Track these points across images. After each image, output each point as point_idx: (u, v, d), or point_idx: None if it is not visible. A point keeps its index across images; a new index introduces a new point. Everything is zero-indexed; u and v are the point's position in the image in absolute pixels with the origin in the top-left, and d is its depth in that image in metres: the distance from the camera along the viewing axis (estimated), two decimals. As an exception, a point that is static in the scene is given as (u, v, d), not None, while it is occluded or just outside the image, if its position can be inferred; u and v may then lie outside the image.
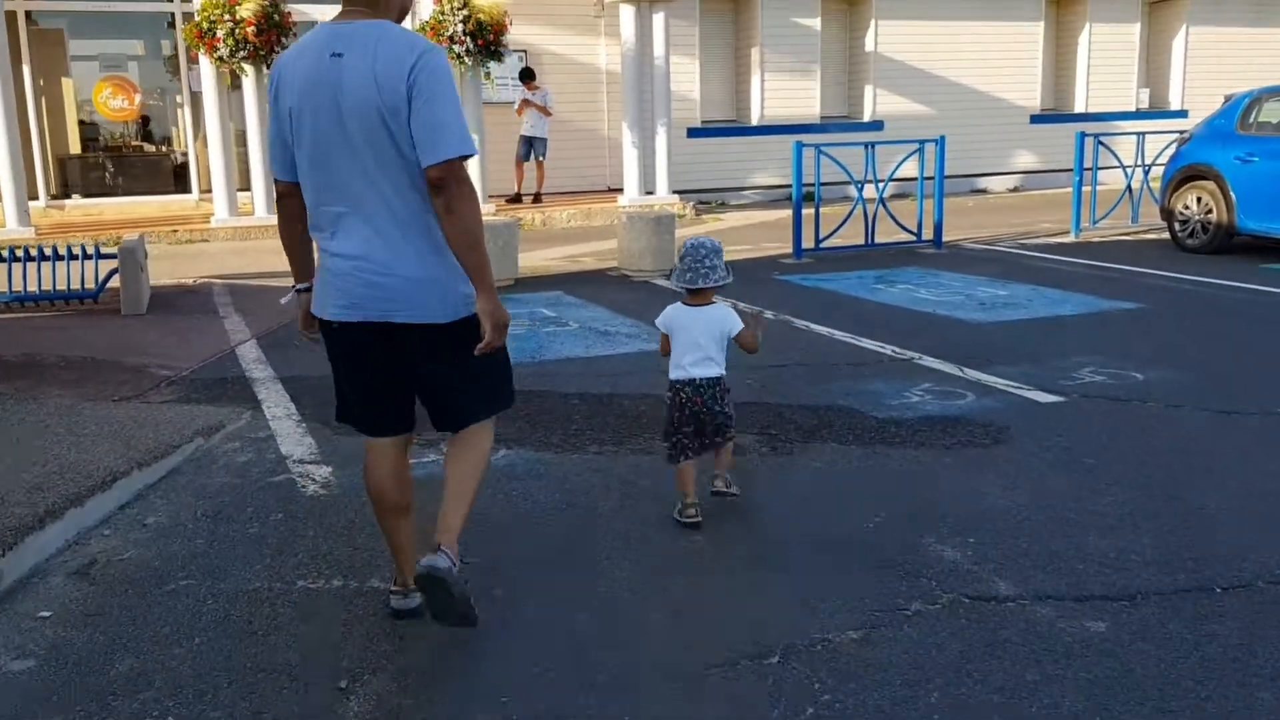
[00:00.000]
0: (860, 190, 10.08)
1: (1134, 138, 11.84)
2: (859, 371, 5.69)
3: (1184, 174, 10.14)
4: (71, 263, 7.85)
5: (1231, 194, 9.55)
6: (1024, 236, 11.42)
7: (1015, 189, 17.41)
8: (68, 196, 14.20)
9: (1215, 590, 3.09)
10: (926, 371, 5.66)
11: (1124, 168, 11.57)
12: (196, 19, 11.73)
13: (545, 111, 13.69)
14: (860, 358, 6.02)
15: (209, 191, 13.04)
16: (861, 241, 10.09)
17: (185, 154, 14.64)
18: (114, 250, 7.82)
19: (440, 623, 2.76)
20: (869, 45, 16.42)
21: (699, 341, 3.60)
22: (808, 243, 9.98)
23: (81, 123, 14.62)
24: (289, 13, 12.01)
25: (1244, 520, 3.61)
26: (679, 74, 14.81)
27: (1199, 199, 9.90)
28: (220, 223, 12.34)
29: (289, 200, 2.81)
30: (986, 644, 2.79)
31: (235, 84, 12.56)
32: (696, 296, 3.67)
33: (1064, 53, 18.14)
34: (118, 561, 3.40)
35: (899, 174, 10.43)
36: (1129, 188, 11.65)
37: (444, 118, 2.56)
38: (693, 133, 15.60)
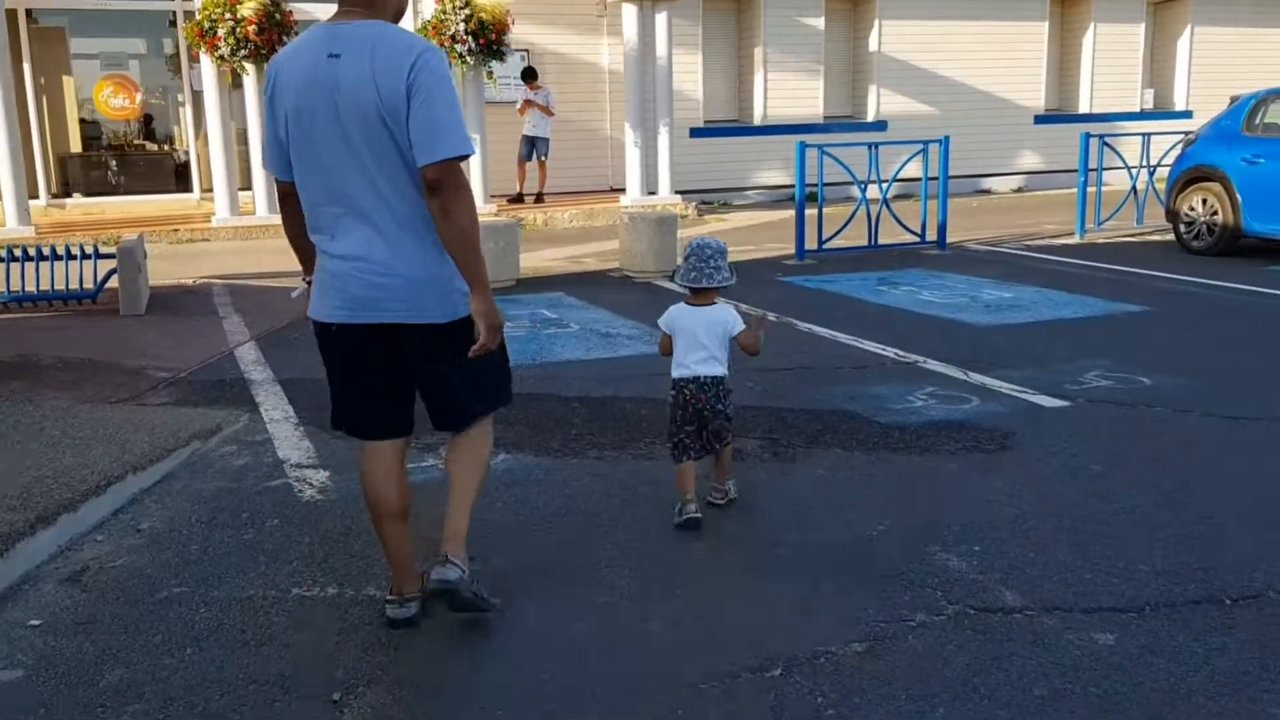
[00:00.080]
0: (864, 191, 10.02)
1: (1138, 138, 11.78)
2: (862, 375, 5.64)
3: (1189, 175, 10.08)
4: (70, 263, 7.81)
5: (1237, 195, 9.49)
6: (1028, 238, 11.36)
7: (1019, 189, 17.35)
8: (68, 195, 14.17)
9: (1225, 601, 3.03)
10: (930, 375, 5.60)
11: (1129, 169, 11.51)
12: (197, 18, 11.69)
13: (547, 111, 13.64)
14: (863, 361, 5.97)
15: (210, 191, 13.00)
16: (865, 242, 10.03)
17: (186, 153, 14.61)
18: (113, 250, 7.77)
19: (455, 612, 2.89)
20: (873, 45, 16.36)
21: (702, 341, 3.61)
22: (811, 244, 9.93)
23: (82, 121, 14.58)
24: (290, 11, 11.97)
25: (1253, 529, 3.55)
26: (682, 73, 14.76)
27: (1204, 200, 9.84)
28: (221, 222, 12.30)
29: (291, 198, 2.80)
30: (993, 657, 2.74)
31: (237, 83, 12.52)
32: (700, 296, 3.67)
33: (1068, 53, 18.07)
34: (110, 568, 3.35)
35: (902, 174, 10.37)
36: (1134, 189, 11.58)
37: (442, 118, 2.55)
38: (695, 132, 15.55)
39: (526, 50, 14.32)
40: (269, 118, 2.74)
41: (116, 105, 14.30)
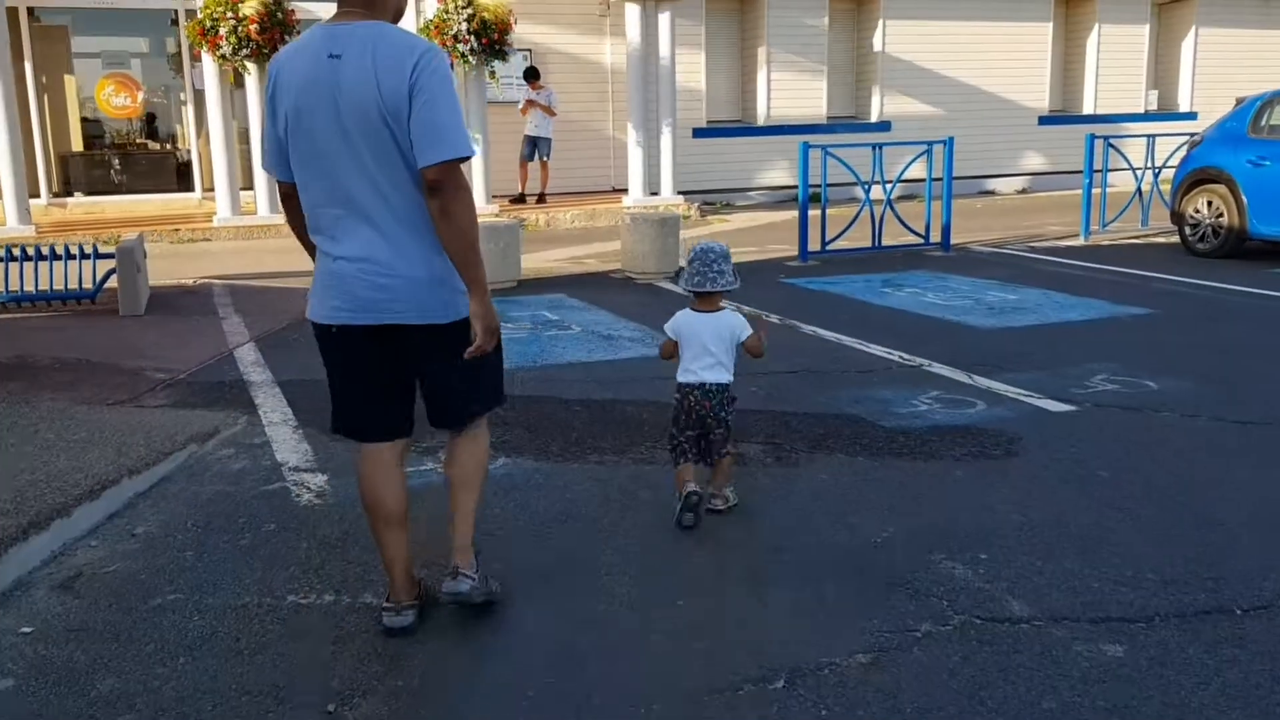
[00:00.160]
0: (867, 192, 9.97)
1: (1143, 140, 11.73)
2: (866, 378, 5.59)
3: (1195, 177, 10.02)
4: (70, 262, 7.77)
5: (1243, 197, 9.43)
6: (1033, 239, 11.31)
7: (1023, 190, 17.29)
8: (69, 194, 14.14)
9: (1235, 612, 2.98)
10: (935, 378, 5.55)
11: (1134, 170, 11.45)
12: (199, 16, 11.65)
13: (549, 111, 13.60)
14: (867, 364, 5.92)
15: (212, 190, 12.97)
16: (868, 244, 9.99)
17: (188, 152, 14.58)
18: (112, 250, 7.73)
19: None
20: (876, 45, 16.31)
21: (709, 347, 3.61)
22: (814, 245, 9.88)
23: (84, 120, 14.56)
24: (292, 10, 11.94)
25: (1263, 537, 3.50)
26: (684, 73, 14.72)
27: (1210, 203, 9.78)
28: (222, 222, 12.27)
29: (294, 199, 2.79)
30: (1000, 669, 2.69)
31: (239, 82, 12.49)
32: (705, 301, 3.66)
33: (1073, 54, 18.01)
34: (104, 574, 3.30)
35: (906, 175, 10.31)
36: (1139, 190, 11.53)
37: (443, 119, 2.55)
38: (698, 133, 15.50)
39: (529, 50, 14.28)
40: (269, 117, 2.73)
41: (118, 104, 14.28)
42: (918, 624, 2.90)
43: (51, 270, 7.72)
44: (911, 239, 10.31)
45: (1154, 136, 11.61)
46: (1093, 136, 11.29)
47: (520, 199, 13.89)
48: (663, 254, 8.98)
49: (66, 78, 14.34)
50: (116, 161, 14.64)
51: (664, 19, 13.43)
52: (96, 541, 3.56)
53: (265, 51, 11.58)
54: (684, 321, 3.67)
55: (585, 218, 13.25)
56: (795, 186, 10.87)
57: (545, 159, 13.83)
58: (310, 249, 2.89)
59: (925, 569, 3.26)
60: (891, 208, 10.03)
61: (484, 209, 12.07)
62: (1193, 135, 10.81)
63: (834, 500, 3.85)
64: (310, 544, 3.52)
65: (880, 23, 16.20)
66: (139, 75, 14.52)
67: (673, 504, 3.65)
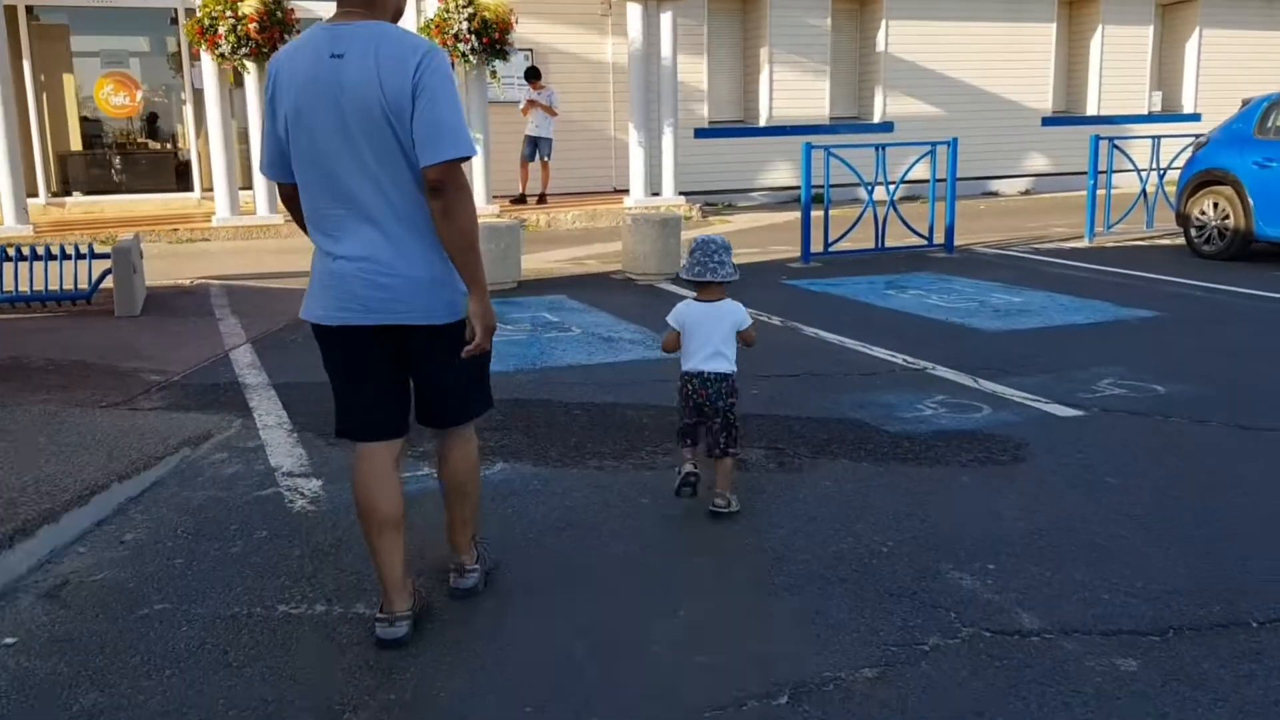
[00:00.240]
0: (870, 193, 9.89)
1: (1146, 141, 11.65)
2: (870, 382, 5.51)
3: (1200, 179, 9.94)
4: (66, 262, 7.70)
5: (1249, 199, 9.35)
6: (1037, 241, 11.23)
7: (1026, 192, 17.22)
8: (68, 194, 14.08)
9: (1251, 624, 2.90)
10: (940, 382, 5.47)
11: (1138, 171, 11.37)
12: (198, 15, 11.58)
13: (550, 111, 13.53)
14: (871, 367, 5.84)
15: (211, 190, 12.89)
16: (871, 245, 9.91)
17: (187, 152, 14.52)
18: (109, 250, 7.66)
19: None
20: (879, 45, 16.23)
21: (711, 337, 3.69)
22: (816, 246, 9.80)
23: (83, 119, 14.50)
24: (291, 9, 11.86)
25: (1278, 546, 3.42)
26: (686, 73, 14.65)
27: (1216, 204, 9.71)
28: (221, 222, 12.19)
29: (296, 200, 2.78)
30: (1010, 684, 2.61)
31: (238, 81, 12.42)
32: (706, 292, 3.74)
33: (1076, 55, 17.93)
34: (91, 582, 3.23)
35: (909, 176, 10.24)
36: (1144, 192, 11.45)
37: (445, 119, 2.56)
38: (700, 133, 15.43)
39: (530, 50, 14.20)
40: (269, 117, 2.71)
41: (117, 103, 14.22)
42: (925, 637, 2.83)
43: (46, 270, 7.65)
44: (915, 240, 10.23)
45: (1159, 138, 11.53)
46: (1097, 138, 11.21)
47: (521, 199, 13.82)
48: (664, 255, 8.90)
49: (65, 77, 14.28)
50: (115, 161, 14.57)
51: (666, 18, 13.36)
52: (85, 548, 3.49)
53: (265, 50, 11.51)
54: (687, 311, 3.74)
55: (586, 218, 13.18)
56: (797, 187, 10.78)
57: (546, 159, 13.76)
58: None
59: (932, 579, 3.18)
60: (895, 209, 9.95)
61: (484, 209, 12.00)
62: (1198, 136, 10.73)
63: (838, 507, 3.78)
64: (303, 551, 3.44)
65: (883, 23, 16.12)
66: (138, 74, 14.46)
67: (674, 512, 3.61)
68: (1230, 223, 9.53)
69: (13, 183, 11.34)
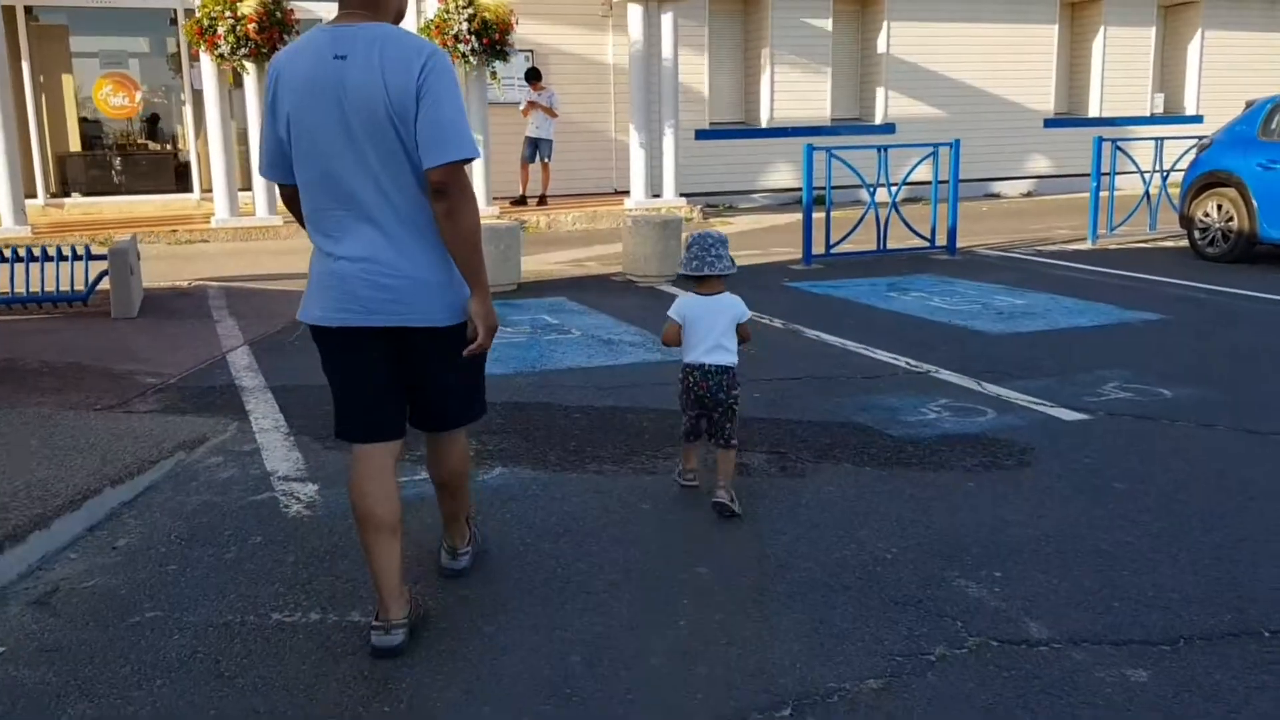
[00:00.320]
0: (873, 194, 9.84)
1: (1148, 142, 11.60)
2: (873, 385, 5.45)
3: (1204, 180, 9.89)
4: (63, 264, 7.64)
5: (1253, 201, 9.30)
6: (1039, 243, 11.18)
7: (1028, 194, 17.17)
8: (67, 195, 14.04)
9: (1263, 634, 2.85)
10: (943, 385, 5.42)
11: (1141, 173, 11.32)
12: (197, 15, 11.53)
13: (551, 113, 13.47)
14: (874, 370, 5.79)
15: (211, 191, 12.84)
16: (873, 247, 9.86)
17: (187, 153, 14.46)
18: (105, 251, 7.60)
19: None
20: (881, 47, 16.18)
21: (713, 329, 3.74)
22: (818, 248, 9.75)
23: (82, 120, 14.45)
24: (291, 10, 11.81)
25: (1289, 554, 3.36)
26: (687, 74, 14.59)
27: (1220, 206, 9.65)
28: (220, 223, 12.14)
29: (298, 200, 2.77)
30: (1018, 695, 2.55)
31: (237, 82, 12.38)
32: (705, 285, 3.78)
33: (1078, 56, 17.88)
34: (82, 589, 3.17)
35: (910, 178, 10.19)
36: (1147, 194, 11.39)
37: (449, 121, 2.56)
38: (701, 134, 15.37)
39: (530, 51, 14.16)
40: (269, 119, 2.70)
41: (116, 104, 14.17)
42: (931, 646, 2.77)
43: (43, 272, 7.59)
44: (917, 242, 10.18)
45: (1162, 139, 11.47)
46: (1100, 139, 11.16)
47: (521, 201, 13.77)
48: (665, 257, 8.84)
49: (64, 77, 14.24)
50: (114, 162, 14.52)
51: (667, 19, 13.31)
52: (76, 554, 3.43)
53: (264, 51, 11.46)
54: (689, 304, 3.79)
55: (586, 220, 13.13)
56: (798, 189, 10.74)
57: (546, 160, 13.71)
58: None
59: (938, 586, 3.12)
60: (897, 210, 9.89)
61: (485, 211, 11.94)
62: (1202, 138, 10.67)
63: (841, 513, 3.72)
64: (298, 557, 3.39)
65: (885, 24, 16.07)
66: (137, 75, 14.41)
67: (675, 520, 3.58)
68: (1234, 225, 9.48)
69: (10, 184, 11.30)
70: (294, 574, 3.26)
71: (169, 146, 14.94)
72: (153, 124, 14.94)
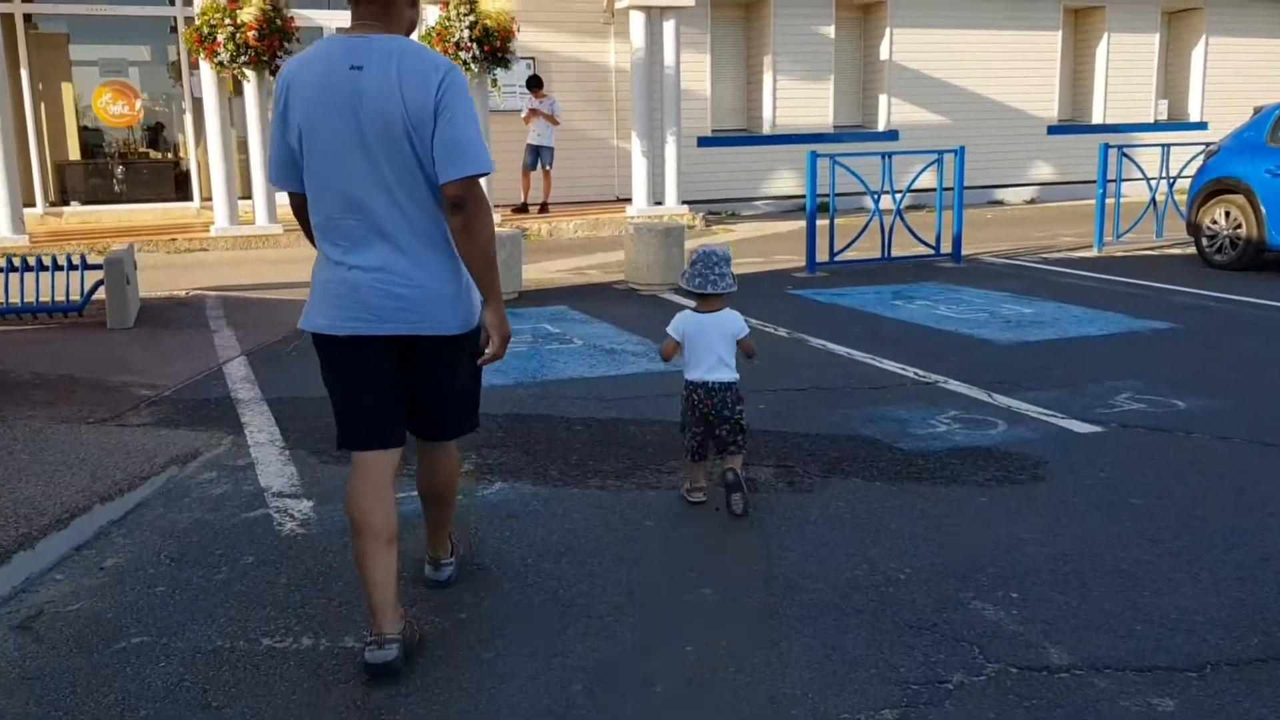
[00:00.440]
0: (877, 202, 9.74)
1: (1152, 149, 11.50)
2: (880, 396, 5.35)
3: (1212, 187, 9.79)
4: (59, 274, 7.55)
5: (1262, 208, 9.20)
6: (1045, 250, 11.07)
7: (1032, 201, 17.07)
8: (66, 204, 13.96)
9: (1293, 659, 2.74)
10: (953, 397, 5.31)
11: (1147, 180, 11.21)
12: (196, 23, 11.46)
13: (552, 120, 13.40)
14: (881, 380, 5.68)
15: (211, 199, 12.75)
16: (877, 254, 9.76)
17: (187, 161, 14.39)
18: (102, 261, 7.51)
19: None
20: (884, 53, 16.10)
21: (713, 346, 3.75)
22: (822, 255, 9.65)
23: (82, 128, 14.38)
24: (291, 17, 11.73)
25: (1315, 573, 3.25)
26: (689, 81, 14.51)
27: (1228, 213, 9.55)
28: (220, 231, 12.06)
29: (305, 209, 2.78)
30: (1040, 726, 2.44)
31: (237, 90, 12.31)
32: (706, 302, 3.80)
33: (1082, 63, 17.80)
34: (66, 613, 3.07)
35: (914, 185, 10.09)
36: (1153, 201, 11.29)
37: (465, 136, 2.59)
38: (703, 142, 15.29)
39: (532, 58, 14.09)
40: (279, 128, 2.69)
41: (116, 112, 14.10)
42: (949, 674, 2.66)
43: (38, 282, 7.50)
44: (922, 250, 10.08)
45: (1168, 146, 11.38)
46: (1106, 146, 11.06)
47: (523, 208, 13.69)
48: (667, 265, 8.74)
49: (64, 85, 14.17)
50: (114, 170, 14.44)
51: (669, 27, 13.24)
52: (63, 575, 3.33)
53: (264, 59, 11.39)
54: (688, 322, 3.80)
55: (588, 227, 13.03)
56: (800, 196, 10.66)
57: (548, 168, 13.62)
58: None
59: (953, 609, 3.01)
60: (901, 218, 9.79)
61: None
62: (1209, 145, 10.57)
63: (851, 530, 3.61)
64: (290, 578, 3.28)
65: (887, 31, 15.99)
66: (137, 83, 14.34)
67: (677, 534, 3.50)
68: (1242, 232, 9.37)
69: (9, 193, 11.23)
70: (286, 596, 3.16)
71: (169, 155, 14.86)
72: (152, 132, 14.87)
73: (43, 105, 13.81)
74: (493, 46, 12.06)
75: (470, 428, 3.00)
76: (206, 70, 11.70)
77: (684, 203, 13.70)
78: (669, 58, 13.30)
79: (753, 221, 14.47)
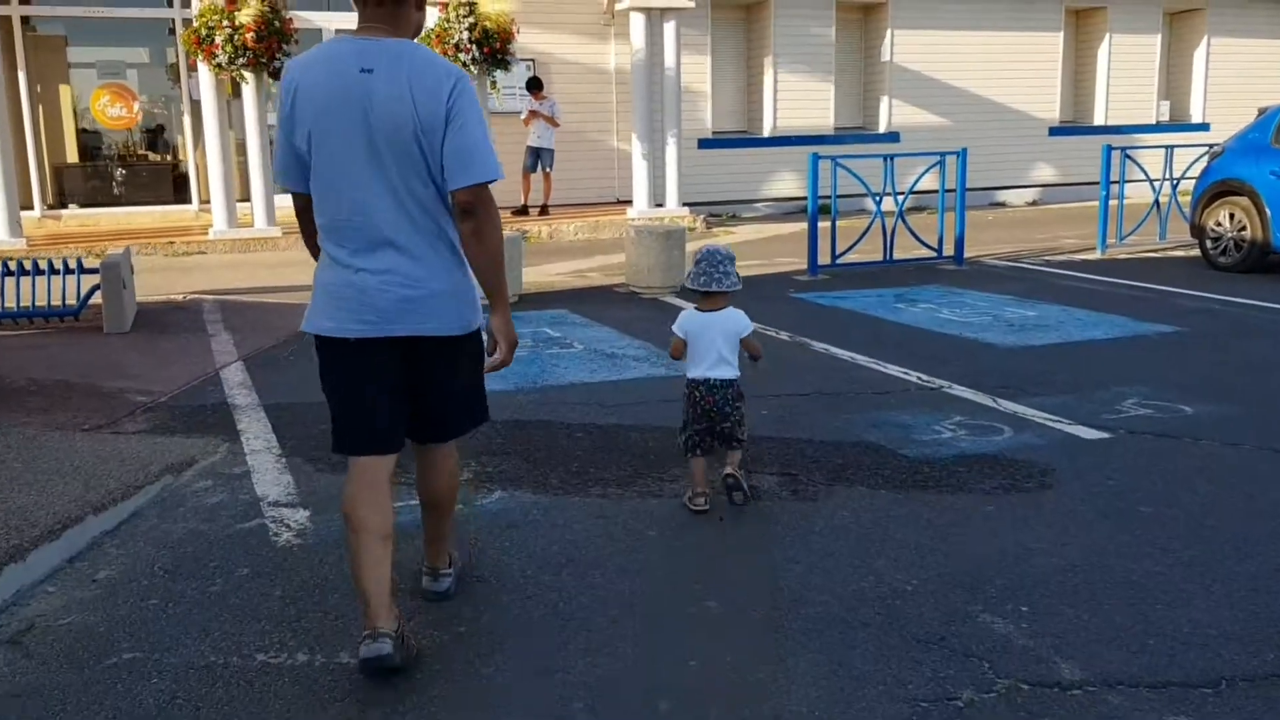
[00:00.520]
0: (879, 204, 9.68)
1: (1154, 151, 11.45)
2: (884, 401, 5.29)
3: (1216, 189, 9.73)
4: (55, 277, 7.49)
5: (1267, 210, 9.14)
6: (1047, 252, 11.02)
7: (1033, 203, 17.01)
8: (64, 206, 13.90)
9: (1310, 674, 2.68)
10: (957, 401, 5.25)
11: (1150, 182, 11.16)
12: (195, 25, 11.40)
13: (553, 122, 13.34)
14: (884, 385, 5.62)
15: (209, 202, 12.70)
16: (879, 257, 9.70)
17: (185, 163, 14.33)
18: (99, 264, 7.45)
19: None
20: (885, 55, 16.04)
21: (716, 344, 3.79)
22: (823, 258, 9.59)
23: (80, 131, 14.32)
24: (290, 19, 11.67)
25: (1329, 584, 3.19)
26: (690, 83, 14.46)
27: (1232, 215, 9.49)
28: (218, 234, 11.99)
29: (309, 211, 2.77)
30: (1052, 745, 2.38)
31: (236, 92, 12.25)
32: (710, 301, 3.83)
33: (1084, 64, 17.74)
34: (58, 627, 3.01)
35: (916, 187, 10.03)
36: (1156, 203, 11.24)
37: (475, 143, 2.61)
38: (704, 143, 15.23)
39: (532, 60, 14.04)
40: (285, 129, 2.69)
41: (114, 115, 14.05)
42: (958, 690, 2.60)
43: (34, 286, 7.44)
44: (924, 252, 10.02)
45: (1172, 148, 11.32)
46: (1109, 147, 11.01)
47: (523, 211, 13.63)
48: (668, 267, 8.69)
49: (62, 88, 14.12)
50: (112, 173, 14.38)
51: (669, 28, 13.18)
52: (54, 588, 3.27)
53: (262, 61, 11.34)
54: (691, 320, 3.84)
55: (589, 230, 12.97)
56: (802, 198, 10.60)
57: (548, 170, 13.57)
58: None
59: (961, 622, 2.95)
60: (903, 220, 9.74)
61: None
62: (1212, 146, 10.52)
63: (856, 540, 3.55)
64: (285, 591, 3.22)
65: (888, 32, 15.94)
66: (135, 86, 14.28)
67: (680, 543, 3.44)
68: (1247, 234, 9.32)
69: (6, 196, 11.16)
70: (281, 610, 3.10)
71: (167, 157, 14.80)
72: (151, 135, 14.81)
73: (41, 108, 13.75)
74: (492, 48, 12.01)
75: (474, 424, 3.00)
76: (205, 72, 11.65)
77: (685, 205, 13.64)
78: (669, 59, 13.24)
79: (754, 223, 14.42)
